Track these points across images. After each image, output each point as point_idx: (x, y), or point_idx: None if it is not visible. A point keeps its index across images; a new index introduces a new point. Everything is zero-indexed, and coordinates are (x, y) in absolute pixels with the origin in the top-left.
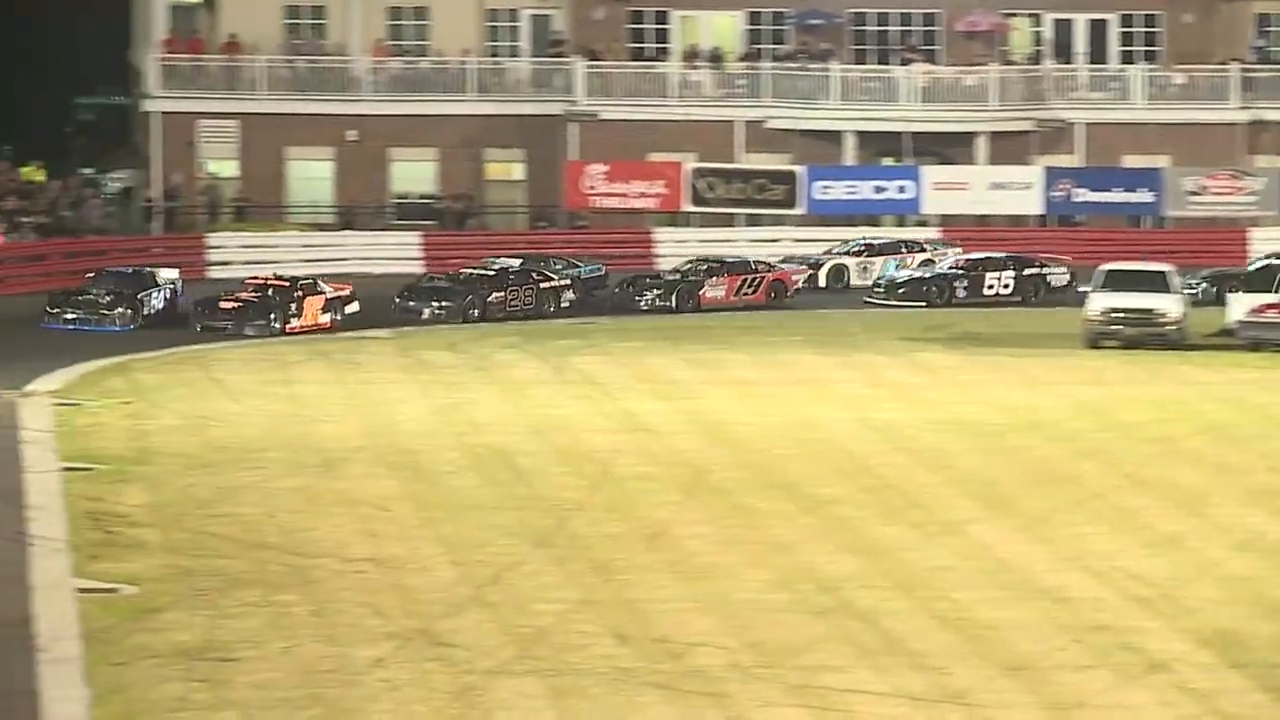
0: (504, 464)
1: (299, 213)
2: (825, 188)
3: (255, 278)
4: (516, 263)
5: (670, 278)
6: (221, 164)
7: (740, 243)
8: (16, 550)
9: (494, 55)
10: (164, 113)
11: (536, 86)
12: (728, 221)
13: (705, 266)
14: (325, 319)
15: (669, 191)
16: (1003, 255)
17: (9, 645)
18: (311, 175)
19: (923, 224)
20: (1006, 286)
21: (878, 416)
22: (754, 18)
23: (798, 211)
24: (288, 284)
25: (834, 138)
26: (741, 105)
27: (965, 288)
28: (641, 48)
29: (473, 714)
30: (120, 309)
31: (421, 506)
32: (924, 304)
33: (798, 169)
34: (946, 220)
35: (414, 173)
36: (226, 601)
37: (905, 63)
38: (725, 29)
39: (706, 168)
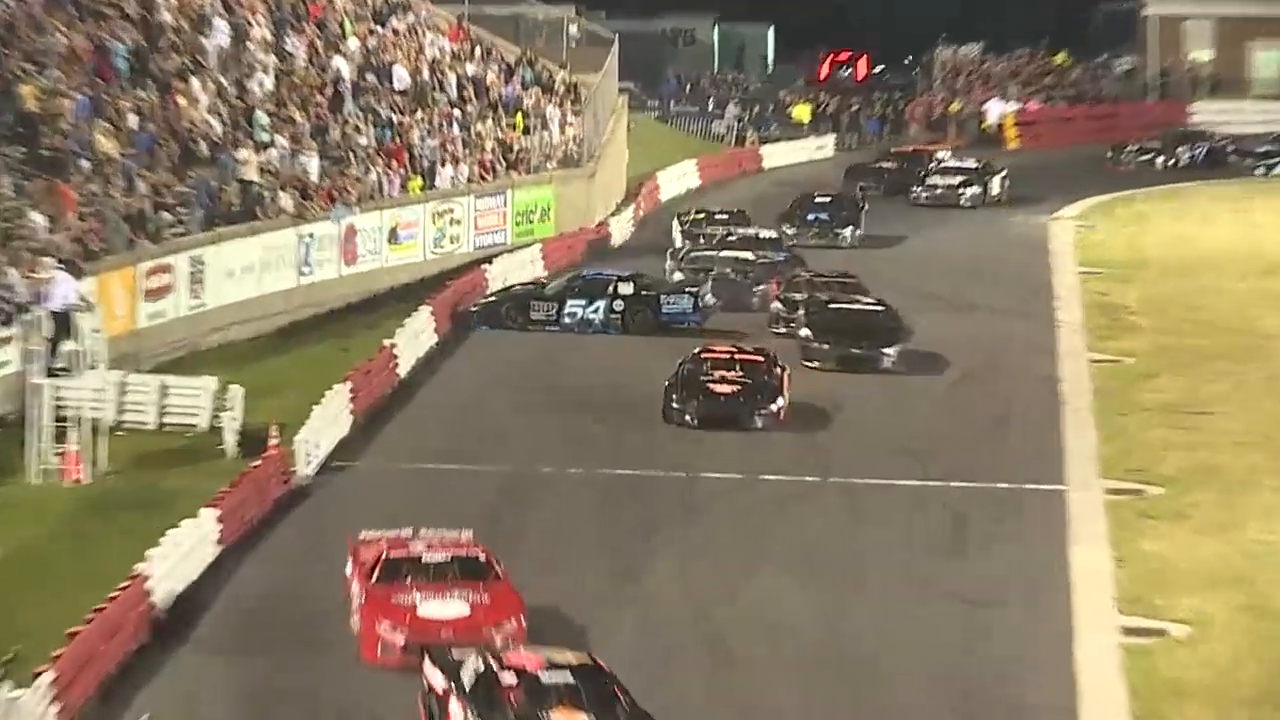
0: None
1: (1257, 88)
2: None
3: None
4: None
5: None
6: (1200, 53)
7: None
8: (1048, 330)
9: None
10: (1160, 15)
11: None
12: None
13: None
14: None
15: None
16: None
17: (1047, 398)
18: (1269, 60)
19: None
20: None
21: None
22: None
23: None
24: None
25: None
26: None
27: None
28: None
29: None
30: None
31: None
32: None
33: None
34: None
35: None
36: (1200, 370)
37: None
38: None
39: None
